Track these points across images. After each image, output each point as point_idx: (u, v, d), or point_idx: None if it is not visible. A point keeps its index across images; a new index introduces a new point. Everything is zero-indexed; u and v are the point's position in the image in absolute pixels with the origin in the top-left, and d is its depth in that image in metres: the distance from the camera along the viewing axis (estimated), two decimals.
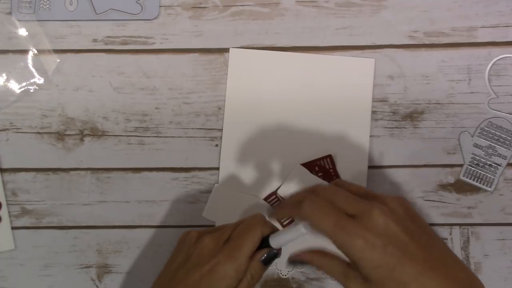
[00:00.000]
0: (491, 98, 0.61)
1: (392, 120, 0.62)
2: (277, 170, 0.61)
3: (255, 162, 0.61)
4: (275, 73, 0.61)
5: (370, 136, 0.61)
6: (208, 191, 0.62)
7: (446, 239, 0.62)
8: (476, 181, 0.62)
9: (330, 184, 0.51)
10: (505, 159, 0.61)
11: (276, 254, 0.50)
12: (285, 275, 0.61)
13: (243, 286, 0.49)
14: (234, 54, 0.61)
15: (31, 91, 0.61)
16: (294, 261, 0.50)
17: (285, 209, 0.53)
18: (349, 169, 0.61)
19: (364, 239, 0.44)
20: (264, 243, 0.50)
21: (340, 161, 0.61)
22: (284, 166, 0.61)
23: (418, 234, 0.46)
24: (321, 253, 0.50)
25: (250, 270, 0.50)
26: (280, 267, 0.61)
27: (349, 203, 0.47)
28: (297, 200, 0.49)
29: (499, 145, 0.61)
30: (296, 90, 0.61)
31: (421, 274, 0.44)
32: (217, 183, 0.62)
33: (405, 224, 0.46)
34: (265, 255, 0.50)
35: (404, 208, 0.47)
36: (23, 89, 0.61)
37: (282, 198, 0.61)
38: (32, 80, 0.61)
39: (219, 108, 0.62)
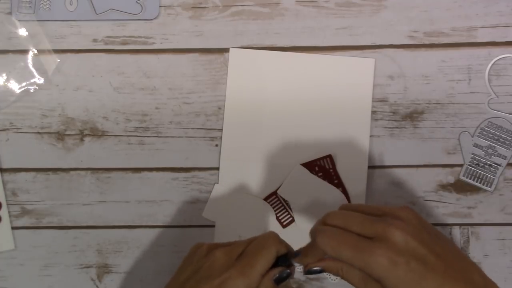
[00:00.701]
0: (491, 98, 0.61)
1: (392, 120, 0.62)
2: (277, 170, 0.61)
3: (255, 162, 0.61)
4: (275, 73, 0.61)
5: (370, 136, 0.61)
6: (208, 191, 0.62)
7: None
8: (476, 181, 0.62)
9: (339, 210, 0.50)
10: (505, 159, 0.61)
11: (289, 274, 0.50)
12: None
13: None
14: (234, 54, 0.61)
15: (31, 91, 0.61)
16: (310, 270, 0.50)
17: (304, 254, 0.51)
18: (349, 169, 0.61)
19: (387, 258, 0.45)
20: (278, 261, 0.49)
21: (340, 161, 0.61)
22: (284, 166, 0.61)
23: (433, 243, 0.47)
24: (336, 259, 0.49)
25: None
26: None
27: (364, 226, 0.47)
28: (312, 237, 0.48)
29: (499, 145, 0.61)
30: (296, 90, 0.61)
31: (442, 284, 0.45)
32: (217, 183, 0.62)
33: (421, 236, 0.46)
34: (278, 274, 0.50)
35: (415, 219, 0.48)
36: (23, 89, 0.61)
37: (283, 198, 0.61)
38: (32, 80, 0.61)
39: (219, 108, 0.62)
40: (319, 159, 0.61)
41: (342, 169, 0.61)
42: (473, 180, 0.62)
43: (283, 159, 0.61)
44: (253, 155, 0.61)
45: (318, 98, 0.61)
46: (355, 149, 0.61)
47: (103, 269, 0.62)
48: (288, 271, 0.50)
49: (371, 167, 0.61)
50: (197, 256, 0.51)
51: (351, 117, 0.61)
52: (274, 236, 0.51)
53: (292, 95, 0.61)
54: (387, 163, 0.62)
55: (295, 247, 0.61)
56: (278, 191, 0.61)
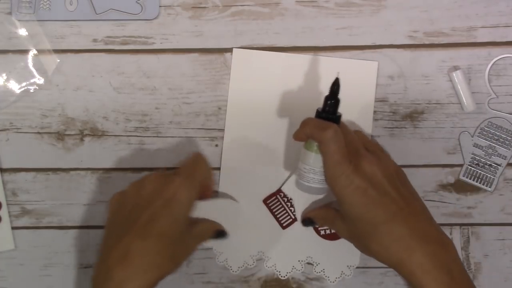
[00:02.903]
0: (491, 98, 0.61)
1: (392, 120, 0.62)
2: (278, 171, 0.61)
3: (256, 163, 0.61)
4: (278, 74, 0.61)
5: (371, 136, 0.61)
6: None
7: None
8: (476, 181, 0.62)
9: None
10: (505, 159, 0.61)
11: (225, 235, 0.58)
12: (284, 277, 0.61)
13: (206, 235, 0.56)
14: (237, 55, 0.61)
15: (31, 91, 0.61)
16: (305, 220, 0.60)
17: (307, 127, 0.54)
18: None
19: (349, 180, 0.50)
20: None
21: None
22: (286, 167, 0.61)
23: (403, 190, 0.52)
24: (319, 208, 0.59)
25: (208, 233, 0.56)
26: (279, 269, 0.61)
27: (355, 146, 0.53)
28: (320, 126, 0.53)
29: (499, 145, 0.61)
30: (299, 91, 0.61)
31: (392, 220, 0.49)
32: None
33: (392, 178, 0.51)
34: (219, 231, 0.57)
35: (396, 170, 0.54)
36: (23, 89, 0.61)
37: (285, 197, 0.61)
38: (32, 80, 0.61)
39: (219, 108, 0.62)
40: None
41: None
42: (473, 180, 0.62)
43: (284, 160, 0.61)
44: (254, 156, 0.61)
45: (320, 99, 0.61)
46: None
47: None
48: (226, 234, 0.58)
49: None
50: (128, 195, 0.54)
51: (354, 119, 0.61)
52: (203, 156, 0.57)
53: (295, 96, 0.61)
54: None
55: (295, 247, 0.61)
56: (282, 188, 0.61)
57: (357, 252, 0.61)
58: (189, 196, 0.53)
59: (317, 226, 0.61)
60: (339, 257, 0.61)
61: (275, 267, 0.61)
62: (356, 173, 0.50)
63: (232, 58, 0.61)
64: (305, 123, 0.53)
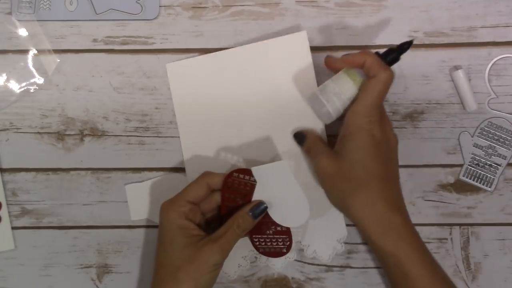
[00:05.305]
0: (491, 98, 0.61)
1: (392, 120, 0.62)
2: (240, 162, 0.60)
3: (218, 161, 0.60)
4: (216, 76, 0.60)
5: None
6: None
7: (446, 239, 0.62)
8: (476, 181, 0.62)
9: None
10: (505, 159, 0.61)
11: (265, 208, 0.54)
12: (279, 269, 0.61)
13: (230, 234, 0.52)
14: (171, 69, 0.60)
15: (31, 91, 0.61)
16: (298, 134, 0.57)
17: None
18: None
19: (371, 125, 0.52)
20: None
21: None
22: (248, 163, 0.60)
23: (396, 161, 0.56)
24: (315, 134, 0.57)
25: (238, 220, 0.53)
26: (273, 262, 0.61)
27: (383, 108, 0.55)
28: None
29: (499, 145, 0.61)
30: (240, 86, 0.60)
31: (385, 182, 0.53)
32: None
33: (396, 149, 0.56)
34: (254, 207, 0.53)
35: (397, 142, 0.56)
36: (23, 89, 0.61)
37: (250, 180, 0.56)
38: (32, 80, 0.61)
39: None
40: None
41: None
42: (473, 180, 0.62)
43: (242, 150, 0.60)
44: (214, 157, 0.60)
45: (265, 89, 0.60)
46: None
47: (103, 269, 0.62)
48: (265, 205, 0.54)
49: None
50: None
51: (302, 103, 0.59)
52: (204, 173, 0.55)
53: (238, 92, 0.60)
54: None
55: None
56: (252, 168, 0.55)
57: (343, 224, 0.60)
58: (172, 219, 0.52)
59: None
60: (327, 233, 0.60)
61: (269, 261, 0.61)
62: (379, 125, 0.52)
63: (168, 73, 0.61)
64: (367, 53, 0.53)
